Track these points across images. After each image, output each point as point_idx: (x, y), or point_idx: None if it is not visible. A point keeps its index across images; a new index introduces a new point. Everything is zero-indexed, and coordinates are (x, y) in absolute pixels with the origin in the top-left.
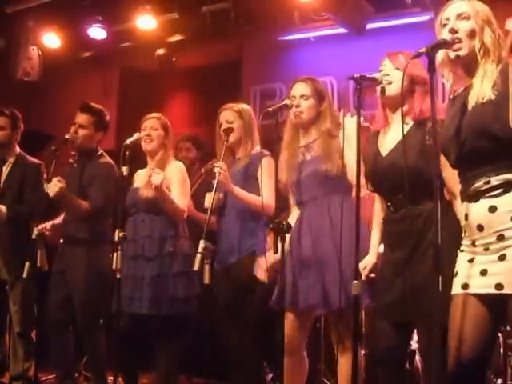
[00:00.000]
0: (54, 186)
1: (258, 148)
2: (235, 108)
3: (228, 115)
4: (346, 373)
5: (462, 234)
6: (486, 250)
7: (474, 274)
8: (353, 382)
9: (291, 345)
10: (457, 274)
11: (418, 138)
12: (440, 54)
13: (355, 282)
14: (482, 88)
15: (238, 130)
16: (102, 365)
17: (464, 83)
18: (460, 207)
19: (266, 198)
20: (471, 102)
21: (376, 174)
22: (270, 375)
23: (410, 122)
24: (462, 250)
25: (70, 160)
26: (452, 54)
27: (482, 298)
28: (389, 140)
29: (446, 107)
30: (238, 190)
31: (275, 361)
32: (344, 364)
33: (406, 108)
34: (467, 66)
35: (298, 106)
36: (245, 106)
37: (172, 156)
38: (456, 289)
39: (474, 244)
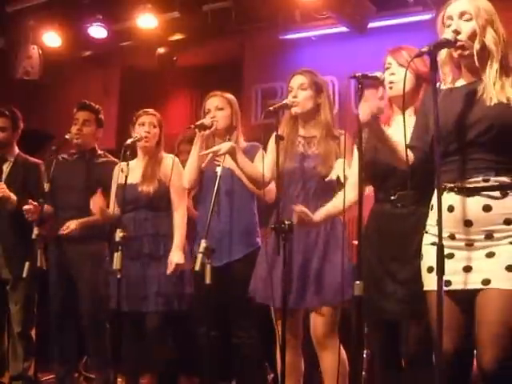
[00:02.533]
0: (71, 225)
1: (241, 140)
2: (223, 95)
3: (217, 102)
4: (329, 370)
5: (430, 222)
6: (469, 245)
7: (456, 270)
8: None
9: (287, 341)
10: (432, 269)
11: None
12: (442, 52)
13: (357, 282)
14: (498, 86)
15: (228, 118)
16: (106, 363)
17: (465, 79)
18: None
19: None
20: (488, 98)
21: (381, 166)
22: (272, 375)
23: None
24: (434, 243)
25: (64, 156)
26: (456, 54)
27: (460, 293)
28: (396, 133)
29: (435, 97)
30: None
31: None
32: (326, 361)
33: (415, 104)
34: (471, 64)
35: (295, 97)
36: (231, 95)
37: (163, 152)
38: (434, 285)
39: (452, 237)
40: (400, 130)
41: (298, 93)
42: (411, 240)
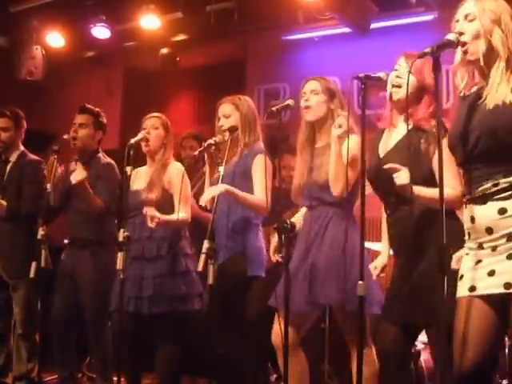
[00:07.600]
0: (78, 174)
1: (259, 143)
2: (232, 101)
3: (225, 109)
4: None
5: (466, 237)
6: (494, 250)
7: (481, 275)
8: (357, 381)
9: (292, 344)
10: (462, 277)
11: (413, 140)
12: (458, 55)
13: (360, 282)
14: (499, 89)
15: (235, 124)
16: (108, 365)
17: (477, 83)
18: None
19: (257, 195)
20: (487, 103)
21: (374, 175)
22: (274, 376)
23: (411, 124)
24: (467, 254)
25: (75, 158)
26: (463, 56)
27: (489, 299)
28: (390, 141)
29: (455, 106)
30: (240, 194)
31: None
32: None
33: (410, 111)
34: (480, 67)
35: (307, 101)
36: (244, 98)
37: (172, 156)
38: (462, 292)
39: (481, 247)
40: (399, 134)
41: (311, 97)
42: (410, 241)
